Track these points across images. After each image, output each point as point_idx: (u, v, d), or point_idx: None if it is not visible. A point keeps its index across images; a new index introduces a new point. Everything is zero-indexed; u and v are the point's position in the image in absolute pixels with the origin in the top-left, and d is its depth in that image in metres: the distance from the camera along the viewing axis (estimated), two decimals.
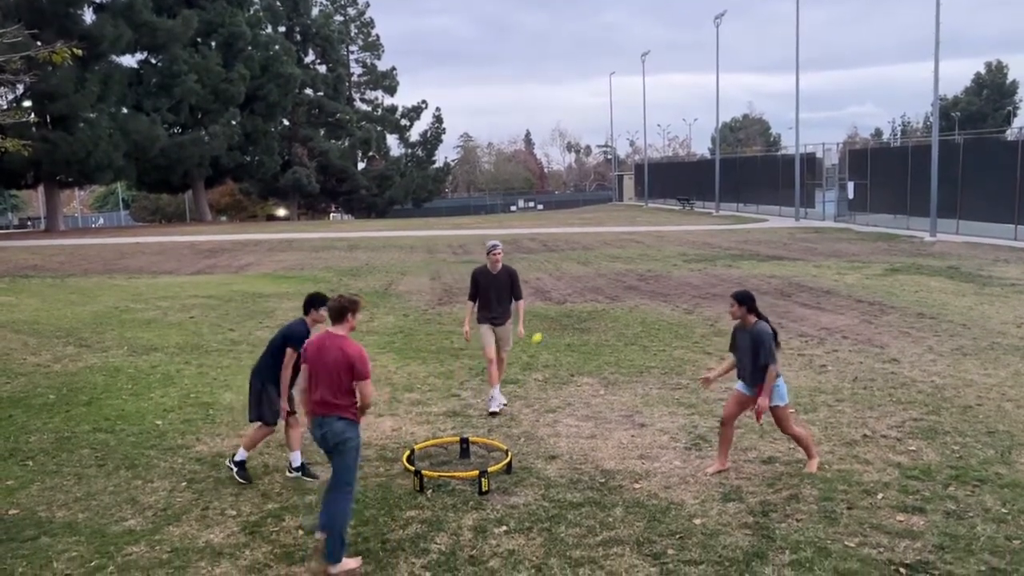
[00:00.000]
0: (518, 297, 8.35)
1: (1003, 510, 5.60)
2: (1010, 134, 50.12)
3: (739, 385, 6.36)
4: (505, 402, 8.32)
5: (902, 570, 4.81)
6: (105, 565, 5.12)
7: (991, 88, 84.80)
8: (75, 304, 15.73)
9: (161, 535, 5.53)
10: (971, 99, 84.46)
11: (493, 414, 8.02)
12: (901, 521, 5.46)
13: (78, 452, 7.22)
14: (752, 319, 6.22)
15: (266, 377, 6.48)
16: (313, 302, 6.44)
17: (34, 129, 37.66)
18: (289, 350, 6.25)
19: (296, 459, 6.58)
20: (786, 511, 5.66)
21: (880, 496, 5.87)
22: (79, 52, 11.46)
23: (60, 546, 5.39)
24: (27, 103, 38.24)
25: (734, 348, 6.43)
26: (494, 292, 8.24)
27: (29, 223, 67.27)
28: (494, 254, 8.27)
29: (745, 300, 6.26)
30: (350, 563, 4.97)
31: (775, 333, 6.24)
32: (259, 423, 6.60)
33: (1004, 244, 23.87)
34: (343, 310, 5.21)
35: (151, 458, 7.03)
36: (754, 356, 6.11)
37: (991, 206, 26.47)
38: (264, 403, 6.52)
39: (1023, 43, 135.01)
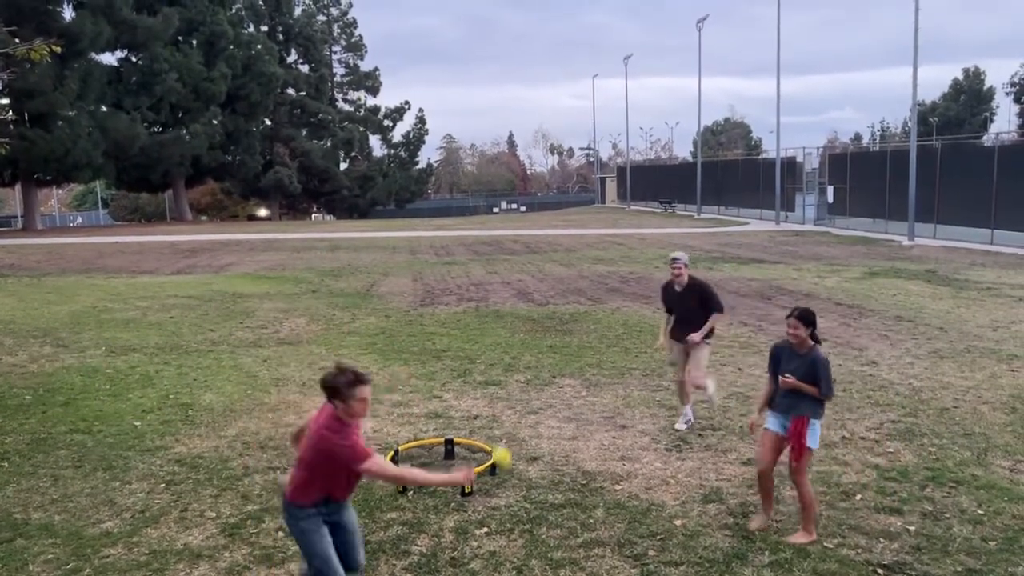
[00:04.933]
0: (713, 310, 7.44)
1: (979, 511, 5.67)
2: (987, 139, 50.71)
3: (771, 422, 5.44)
4: (690, 419, 7.63)
5: (880, 571, 4.86)
6: (82, 568, 5.07)
7: (968, 94, 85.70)
8: (52, 303, 15.55)
9: (139, 537, 5.48)
10: (949, 104, 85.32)
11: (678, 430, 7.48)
12: (879, 522, 5.51)
13: (55, 453, 7.14)
14: (810, 343, 5.37)
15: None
16: None
17: (11, 127, 37.19)
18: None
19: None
20: None
21: (858, 497, 5.93)
22: (58, 49, 11.30)
23: (36, 548, 5.33)
24: (4, 100, 37.78)
25: (775, 373, 5.47)
26: (680, 310, 7.61)
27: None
28: (674, 269, 7.51)
29: (812, 321, 5.36)
30: None
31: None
32: None
33: (980, 248, 24.17)
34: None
35: (129, 459, 6.96)
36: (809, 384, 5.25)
37: (968, 210, 26.79)
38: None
39: (1000, 49, 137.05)
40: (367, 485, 6.30)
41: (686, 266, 7.48)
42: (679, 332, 7.57)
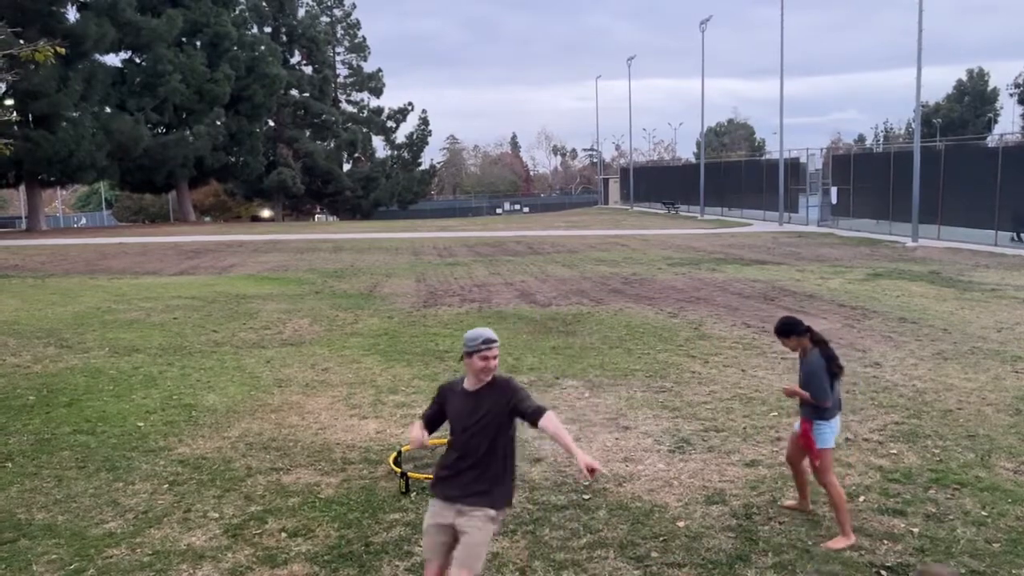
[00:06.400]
0: (534, 417, 3.98)
1: (983, 513, 5.65)
2: (990, 141, 50.64)
3: (797, 424, 5.56)
4: None
5: (883, 572, 4.85)
6: (85, 568, 5.07)
7: (972, 95, 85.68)
8: (56, 304, 15.59)
9: (142, 538, 5.49)
10: (952, 106, 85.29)
11: None
12: (882, 524, 5.50)
13: (58, 454, 7.15)
14: (808, 347, 5.29)
15: None
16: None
17: (16, 128, 37.29)
18: None
19: None
20: (769, 514, 5.69)
21: (862, 499, 5.92)
22: (62, 51, 11.32)
23: (39, 548, 5.34)
24: (9, 102, 37.86)
25: None
26: (467, 429, 4.02)
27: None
28: (481, 356, 3.97)
29: (787, 331, 5.30)
30: None
31: (834, 358, 5.29)
32: None
33: (984, 249, 24.10)
34: None
35: (132, 460, 6.97)
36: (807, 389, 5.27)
37: (971, 212, 26.74)
38: None
39: (1003, 51, 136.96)
40: (370, 487, 6.31)
41: None
42: (452, 481, 4.06)
